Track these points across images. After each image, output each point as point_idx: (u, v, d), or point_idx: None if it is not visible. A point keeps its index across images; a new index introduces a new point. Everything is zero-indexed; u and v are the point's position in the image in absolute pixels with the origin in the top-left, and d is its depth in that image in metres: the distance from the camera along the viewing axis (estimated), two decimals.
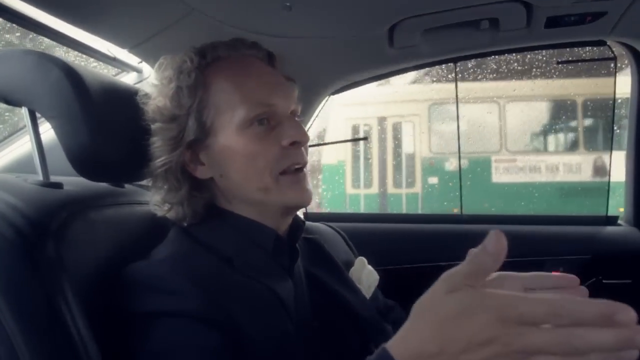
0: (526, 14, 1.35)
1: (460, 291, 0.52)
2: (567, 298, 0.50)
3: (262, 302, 0.86)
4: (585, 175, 6.58)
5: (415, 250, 1.77)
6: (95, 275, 0.83)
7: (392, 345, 0.56)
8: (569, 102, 6.56)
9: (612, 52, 1.67)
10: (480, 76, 6.33)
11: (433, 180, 6.76)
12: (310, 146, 1.00)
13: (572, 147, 6.77)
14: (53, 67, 0.88)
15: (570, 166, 6.56)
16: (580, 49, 1.79)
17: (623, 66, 1.77)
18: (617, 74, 1.86)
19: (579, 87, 6.35)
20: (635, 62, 1.64)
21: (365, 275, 1.07)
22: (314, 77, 1.59)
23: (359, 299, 1.01)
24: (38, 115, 0.93)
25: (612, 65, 1.75)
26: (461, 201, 2.28)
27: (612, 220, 1.77)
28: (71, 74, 0.88)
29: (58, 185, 0.92)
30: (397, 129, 6.79)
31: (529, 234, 1.76)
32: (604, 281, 1.65)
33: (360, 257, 1.10)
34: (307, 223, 1.09)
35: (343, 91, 1.74)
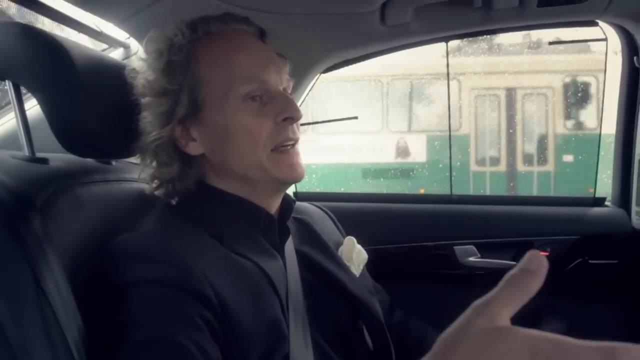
0: None
1: (502, 330, 0.43)
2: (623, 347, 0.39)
3: (251, 281, 0.85)
4: (389, 156, 6.74)
5: (404, 230, 1.78)
6: (82, 250, 0.82)
7: None
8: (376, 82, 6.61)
9: (604, 33, 1.66)
10: None
11: None
12: (302, 124, 1.00)
13: (376, 128, 6.79)
14: (37, 39, 0.86)
15: (373, 147, 6.72)
16: None
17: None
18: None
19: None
20: (626, 44, 1.64)
21: (355, 254, 1.07)
22: (304, 54, 1.57)
23: (349, 277, 1.01)
24: (24, 91, 0.92)
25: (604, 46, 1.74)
26: (451, 181, 2.29)
27: (599, 202, 1.78)
28: (56, 47, 0.86)
29: (44, 161, 0.91)
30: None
31: (517, 214, 1.77)
32: (590, 261, 1.67)
33: (350, 237, 1.11)
34: (297, 203, 1.09)
35: (334, 69, 1.73)
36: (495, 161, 6.59)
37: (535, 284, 0.44)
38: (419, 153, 6.63)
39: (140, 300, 0.75)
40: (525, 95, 6.48)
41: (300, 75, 1.63)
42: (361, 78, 6.50)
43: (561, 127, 6.39)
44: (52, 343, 0.68)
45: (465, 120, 6.59)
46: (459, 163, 6.48)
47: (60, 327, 0.69)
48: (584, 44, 6.31)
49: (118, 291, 0.77)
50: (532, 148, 6.53)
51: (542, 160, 6.44)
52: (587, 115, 6.40)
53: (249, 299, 0.82)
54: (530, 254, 0.44)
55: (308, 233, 1.06)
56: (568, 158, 6.35)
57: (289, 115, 0.91)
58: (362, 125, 6.53)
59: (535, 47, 6.32)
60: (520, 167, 6.50)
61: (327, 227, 1.15)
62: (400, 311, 1.19)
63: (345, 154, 6.63)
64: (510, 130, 6.52)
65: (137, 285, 0.76)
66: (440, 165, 6.39)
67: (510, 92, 6.48)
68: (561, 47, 6.20)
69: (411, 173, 6.59)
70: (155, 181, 0.97)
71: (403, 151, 6.69)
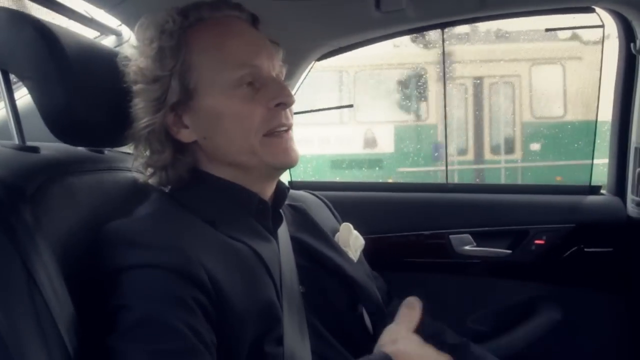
0: None
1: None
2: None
3: (244, 263, 0.85)
4: (357, 146, 6.54)
5: (399, 219, 1.78)
6: (73, 239, 0.82)
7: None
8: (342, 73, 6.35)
9: (600, 19, 1.65)
10: None
11: None
12: (296, 113, 0.99)
13: (344, 119, 6.54)
14: (26, 25, 0.85)
15: (341, 138, 6.49)
16: None
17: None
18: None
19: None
20: (622, 30, 1.63)
21: (352, 240, 1.07)
22: (299, 41, 1.56)
23: (347, 262, 1.01)
24: (14, 79, 0.90)
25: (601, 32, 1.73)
26: (447, 170, 2.28)
27: (595, 190, 1.78)
28: (45, 33, 0.85)
29: (35, 149, 0.90)
30: None
31: (512, 202, 1.77)
32: (585, 250, 1.67)
33: (346, 223, 1.10)
34: (292, 191, 1.08)
35: (329, 57, 1.72)
36: (462, 151, 6.47)
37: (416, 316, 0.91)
38: (386, 144, 6.49)
39: (132, 284, 0.76)
40: (492, 84, 6.37)
41: (295, 63, 1.62)
42: (328, 69, 6.18)
43: (528, 115, 6.28)
44: (43, 333, 0.68)
45: (433, 110, 6.41)
46: (423, 154, 6.34)
47: (52, 317, 0.69)
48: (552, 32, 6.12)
49: (110, 276, 0.77)
50: (499, 137, 6.44)
51: (509, 149, 6.37)
52: (554, 103, 6.26)
53: (243, 281, 0.82)
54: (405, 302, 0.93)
55: (304, 220, 1.05)
56: (535, 147, 6.25)
57: (281, 101, 0.91)
58: (329, 117, 6.27)
59: (502, 35, 6.21)
60: (488, 156, 6.39)
61: (323, 214, 1.15)
62: (397, 300, 1.19)
63: (314, 145, 6.33)
64: (478, 119, 6.41)
65: (129, 270, 0.77)
66: (408, 155, 6.33)
67: (478, 81, 6.34)
68: (528, 35, 6.07)
69: (379, 163, 6.50)
70: (149, 169, 0.96)
71: (371, 142, 6.56)
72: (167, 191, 0.97)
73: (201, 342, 0.73)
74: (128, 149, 1.05)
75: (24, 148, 0.89)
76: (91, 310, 0.76)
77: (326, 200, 1.21)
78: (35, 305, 0.68)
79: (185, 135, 0.93)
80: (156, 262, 0.77)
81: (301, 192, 1.20)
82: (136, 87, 0.92)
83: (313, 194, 1.21)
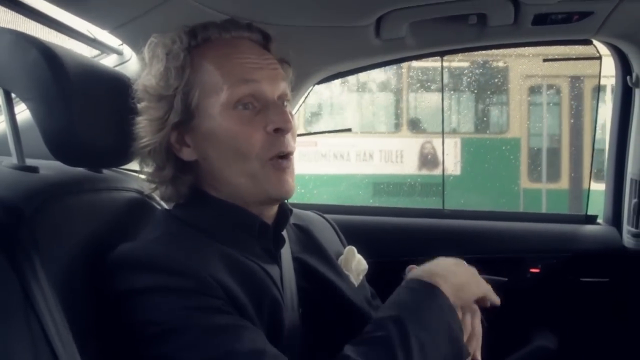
0: (514, 10, 1.35)
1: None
2: None
3: (254, 276, 0.88)
4: (410, 166, 4.96)
5: (396, 243, 1.78)
6: (71, 260, 0.82)
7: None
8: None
9: (598, 51, 1.67)
10: None
11: None
12: (299, 135, 0.99)
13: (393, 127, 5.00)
14: (30, 47, 0.85)
15: (389, 153, 4.98)
16: None
17: None
18: None
19: None
20: (620, 63, 1.65)
21: (354, 264, 1.07)
22: (299, 66, 1.56)
23: (348, 286, 1.01)
24: (13, 95, 0.91)
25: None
26: (443, 195, 2.28)
27: (591, 219, 1.79)
28: (49, 55, 0.86)
29: (34, 169, 0.90)
30: None
31: (508, 230, 1.77)
32: (581, 279, 1.67)
33: (350, 246, 1.10)
34: (298, 210, 1.09)
35: (328, 81, 1.74)
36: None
37: None
38: (451, 162, 4.87)
39: (162, 303, 0.81)
40: None
41: (294, 87, 1.63)
42: None
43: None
44: (37, 354, 0.67)
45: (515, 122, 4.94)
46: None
47: (47, 339, 0.69)
48: None
49: (128, 296, 0.81)
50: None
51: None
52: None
53: (255, 293, 0.86)
54: None
55: (308, 240, 1.05)
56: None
57: (279, 126, 0.90)
58: (373, 125, 4.97)
59: None
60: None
61: (328, 235, 1.14)
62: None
63: (350, 162, 4.93)
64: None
65: (154, 290, 0.81)
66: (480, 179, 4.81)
67: None
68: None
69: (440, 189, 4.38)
70: (151, 184, 0.98)
71: (431, 159, 4.90)
72: (169, 209, 0.98)
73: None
74: (129, 166, 1.06)
75: (23, 168, 0.89)
76: (100, 331, 0.80)
77: (332, 223, 1.20)
78: (30, 327, 0.67)
79: (187, 154, 0.94)
80: (179, 287, 0.80)
81: (307, 212, 1.19)
82: (141, 105, 0.93)
83: (319, 215, 1.21)
